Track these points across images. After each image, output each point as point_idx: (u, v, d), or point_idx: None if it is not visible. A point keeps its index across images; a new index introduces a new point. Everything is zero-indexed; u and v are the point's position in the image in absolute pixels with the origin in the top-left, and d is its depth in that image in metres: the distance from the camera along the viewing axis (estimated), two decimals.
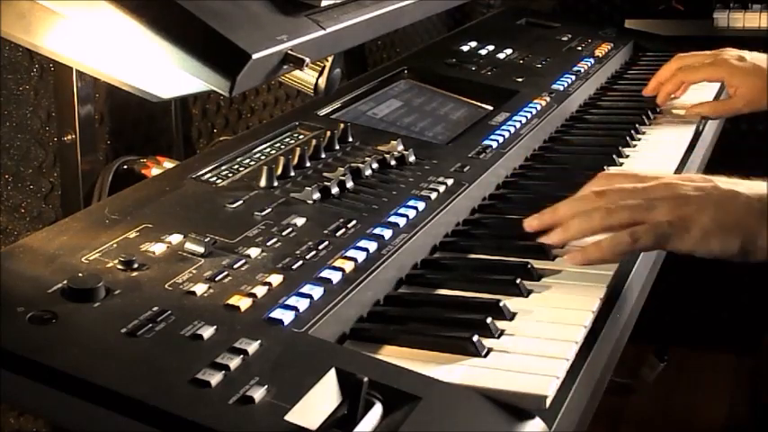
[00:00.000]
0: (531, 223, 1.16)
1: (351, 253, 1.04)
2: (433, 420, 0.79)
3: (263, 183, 1.19)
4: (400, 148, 1.33)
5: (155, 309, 0.89)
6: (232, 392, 0.79)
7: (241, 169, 1.25)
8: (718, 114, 1.75)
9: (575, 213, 1.13)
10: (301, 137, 1.39)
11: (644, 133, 1.63)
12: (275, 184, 1.19)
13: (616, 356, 1.05)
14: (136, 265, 0.96)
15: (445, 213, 1.19)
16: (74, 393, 0.79)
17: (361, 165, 1.26)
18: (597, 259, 1.09)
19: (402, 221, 1.13)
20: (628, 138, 1.57)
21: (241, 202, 1.14)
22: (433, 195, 1.21)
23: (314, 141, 1.31)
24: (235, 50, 1.00)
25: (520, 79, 1.74)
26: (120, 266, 0.96)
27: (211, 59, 1.00)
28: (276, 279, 0.97)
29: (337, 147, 1.33)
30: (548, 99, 1.65)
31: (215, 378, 0.80)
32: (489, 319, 0.96)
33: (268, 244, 1.04)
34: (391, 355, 0.92)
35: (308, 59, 1.08)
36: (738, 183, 1.11)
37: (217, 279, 0.96)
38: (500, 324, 0.97)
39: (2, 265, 0.94)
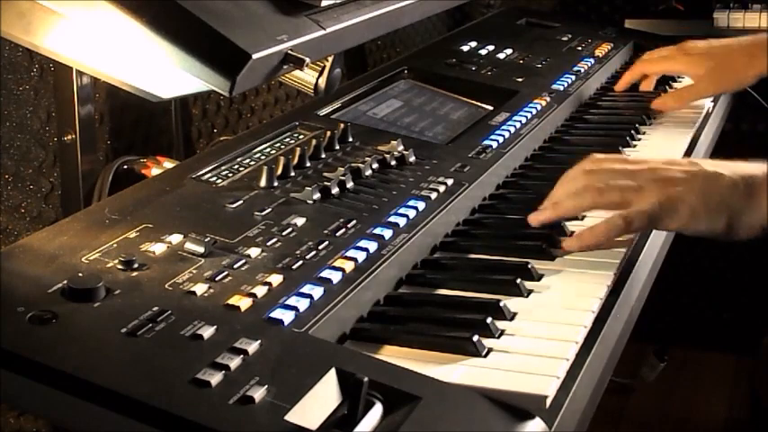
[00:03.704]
0: (536, 218, 1.19)
1: (351, 253, 1.04)
2: (433, 420, 0.79)
3: (263, 183, 1.19)
4: (400, 148, 1.33)
5: (155, 309, 0.89)
6: (232, 392, 0.79)
7: (241, 169, 1.25)
8: (683, 101, 1.76)
9: (567, 194, 1.18)
10: (301, 137, 1.39)
11: (644, 133, 1.63)
12: (275, 184, 1.19)
13: (616, 356, 1.05)
14: (136, 265, 0.96)
15: (445, 213, 1.19)
16: (74, 393, 0.79)
17: (361, 165, 1.26)
18: (593, 244, 1.13)
19: (402, 221, 1.13)
20: (628, 138, 1.57)
21: (241, 202, 1.14)
22: (433, 195, 1.21)
23: (314, 141, 1.31)
24: (235, 50, 1.00)
25: (520, 79, 1.74)
26: (120, 266, 0.96)
27: (211, 59, 1.00)
28: (276, 279, 0.97)
29: (337, 147, 1.33)
30: (548, 99, 1.64)
31: (215, 378, 0.80)
32: (489, 319, 0.96)
33: (268, 244, 1.04)
34: (391, 355, 0.92)
35: (308, 59, 1.08)
36: (721, 164, 1.16)
37: (217, 279, 0.96)
38: (500, 324, 0.97)
39: (2, 265, 0.94)
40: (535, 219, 1.19)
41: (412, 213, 1.16)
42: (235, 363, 0.82)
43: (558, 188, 1.20)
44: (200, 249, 1.00)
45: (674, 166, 1.17)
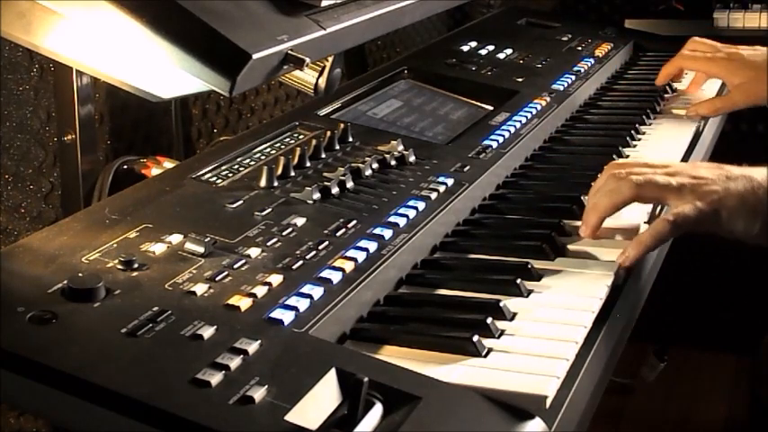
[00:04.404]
0: (585, 232, 1.18)
1: (351, 253, 1.04)
2: (433, 420, 0.79)
3: (263, 183, 1.19)
4: (400, 148, 1.33)
5: (155, 309, 0.89)
6: (232, 392, 0.79)
7: (241, 169, 1.25)
8: (716, 111, 1.76)
9: (603, 194, 1.17)
10: (301, 137, 1.39)
11: (644, 133, 1.63)
12: (275, 184, 1.19)
13: (616, 356, 1.05)
14: (136, 265, 0.96)
15: (445, 213, 1.19)
16: (74, 393, 0.79)
17: (361, 165, 1.26)
18: (642, 253, 1.12)
19: (402, 221, 1.13)
20: (628, 138, 1.57)
21: (241, 202, 1.14)
22: (433, 195, 1.21)
23: (314, 141, 1.31)
24: (235, 50, 1.00)
25: (520, 79, 1.74)
26: (120, 266, 0.96)
27: (211, 59, 1.00)
28: (276, 279, 0.97)
29: (337, 147, 1.33)
30: (548, 99, 1.64)
31: (215, 378, 0.80)
32: (489, 319, 0.96)
33: (268, 244, 1.04)
34: (391, 355, 0.92)
35: (308, 59, 1.08)
36: (745, 169, 1.17)
37: (217, 279, 0.96)
38: (500, 324, 0.97)
39: (2, 265, 0.94)
40: (585, 232, 1.18)
41: (412, 213, 1.16)
42: (235, 363, 0.82)
43: (591, 196, 1.20)
44: (200, 249, 1.00)
45: (701, 169, 1.18)
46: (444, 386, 0.85)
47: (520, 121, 1.52)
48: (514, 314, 1.00)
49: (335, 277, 0.99)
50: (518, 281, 1.05)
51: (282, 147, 1.35)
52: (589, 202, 1.20)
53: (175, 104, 1.60)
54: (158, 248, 1.00)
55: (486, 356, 0.91)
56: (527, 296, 1.05)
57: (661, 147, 1.57)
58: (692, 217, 1.13)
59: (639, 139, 1.60)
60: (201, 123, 1.70)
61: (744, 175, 1.15)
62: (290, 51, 1.08)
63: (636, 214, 1.23)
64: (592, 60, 1.92)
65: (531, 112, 1.57)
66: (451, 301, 1.04)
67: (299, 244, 1.05)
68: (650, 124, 1.68)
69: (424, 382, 0.84)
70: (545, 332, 0.96)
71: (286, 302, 0.93)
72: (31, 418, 1.32)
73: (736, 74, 1.72)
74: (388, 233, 1.10)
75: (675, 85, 1.89)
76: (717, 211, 1.13)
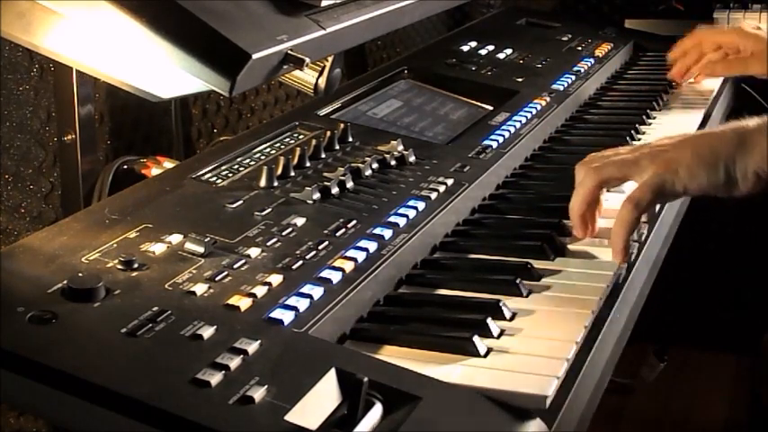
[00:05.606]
0: (577, 234, 1.19)
1: (351, 253, 1.04)
2: (433, 420, 0.79)
3: (263, 183, 1.19)
4: (400, 148, 1.33)
5: (155, 309, 0.89)
6: (232, 392, 0.79)
7: (241, 169, 1.25)
8: (731, 71, 1.82)
9: (574, 194, 1.19)
10: (301, 137, 1.39)
11: (644, 133, 1.63)
12: (275, 184, 1.19)
13: (616, 356, 1.05)
14: (136, 265, 0.96)
15: (445, 213, 1.19)
16: (74, 393, 0.79)
17: (361, 165, 1.26)
18: (623, 244, 1.12)
19: (402, 221, 1.13)
20: (628, 138, 1.57)
21: (241, 202, 1.14)
22: (433, 195, 1.21)
23: (314, 141, 1.31)
24: (235, 50, 1.00)
25: (520, 79, 1.74)
26: (120, 266, 0.96)
27: (211, 59, 1.00)
28: (276, 279, 0.97)
29: (337, 147, 1.33)
30: (548, 99, 1.65)
31: (215, 378, 0.80)
32: (489, 319, 0.96)
33: (268, 244, 1.04)
34: (391, 355, 0.92)
35: (308, 59, 1.08)
36: (710, 128, 1.20)
37: (217, 279, 0.96)
38: (500, 324, 0.97)
39: (2, 265, 0.94)
40: (576, 233, 1.19)
41: (412, 213, 1.16)
42: (235, 363, 0.82)
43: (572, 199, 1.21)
44: (200, 249, 1.00)
45: (665, 138, 1.20)
46: (444, 386, 0.85)
47: (520, 121, 1.52)
48: (514, 314, 1.00)
49: (335, 277, 0.99)
50: (518, 281, 1.05)
51: (282, 147, 1.35)
52: (572, 204, 1.20)
53: (175, 104, 1.60)
54: (158, 248, 1.00)
55: (485, 356, 0.91)
56: (527, 296, 1.05)
57: None
58: (650, 184, 1.13)
59: (639, 139, 1.60)
60: (201, 123, 1.70)
61: (702, 132, 1.18)
62: (289, 51, 1.08)
63: None
64: (592, 60, 1.92)
65: (531, 112, 1.57)
66: (451, 301, 1.04)
67: (298, 244, 1.05)
68: (650, 124, 1.68)
69: (424, 382, 0.84)
70: (545, 332, 0.96)
71: (286, 302, 0.93)
72: (31, 418, 1.32)
73: (755, 43, 1.77)
74: (388, 233, 1.10)
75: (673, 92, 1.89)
76: (674, 171, 1.13)
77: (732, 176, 1.13)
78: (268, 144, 1.35)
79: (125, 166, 1.37)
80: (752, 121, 1.16)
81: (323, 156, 1.30)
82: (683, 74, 1.87)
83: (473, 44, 1.92)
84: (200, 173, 1.22)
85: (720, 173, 1.13)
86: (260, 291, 0.94)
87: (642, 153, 1.17)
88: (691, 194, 1.18)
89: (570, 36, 2.08)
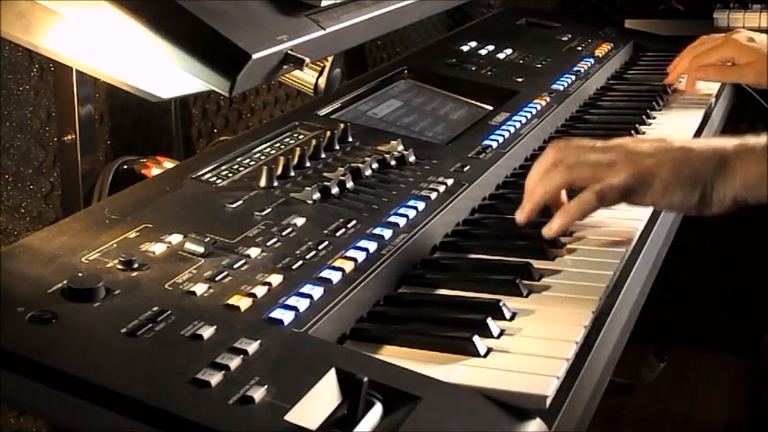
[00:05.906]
0: (520, 217, 1.18)
1: (351, 253, 1.04)
2: (433, 420, 0.79)
3: (263, 183, 1.19)
4: (400, 148, 1.33)
5: (155, 309, 0.89)
6: (232, 392, 0.79)
7: (241, 169, 1.25)
8: (726, 78, 1.83)
9: (539, 178, 1.17)
10: (301, 137, 1.39)
11: (644, 133, 1.63)
12: (275, 184, 1.19)
13: (616, 356, 1.05)
14: (136, 265, 0.96)
15: (445, 213, 1.19)
16: (74, 393, 0.79)
17: (361, 165, 1.26)
18: (567, 223, 1.13)
19: (402, 221, 1.13)
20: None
21: (241, 202, 1.14)
22: (433, 195, 1.21)
23: (314, 141, 1.31)
24: (235, 50, 1.00)
25: (520, 79, 1.74)
26: (120, 266, 0.96)
27: (211, 59, 1.00)
28: (276, 279, 0.97)
29: (337, 147, 1.33)
30: (548, 99, 1.65)
31: (215, 378, 0.80)
32: (489, 319, 0.96)
33: (268, 244, 1.04)
34: (391, 355, 0.92)
35: (308, 59, 1.08)
36: (690, 140, 1.18)
37: (217, 279, 0.96)
38: (500, 324, 0.97)
39: (2, 265, 0.94)
40: (519, 217, 1.18)
41: (412, 213, 1.16)
42: (235, 363, 0.82)
43: (529, 176, 1.19)
44: (200, 249, 1.00)
45: (642, 143, 1.17)
46: (444, 386, 0.85)
47: (520, 121, 1.52)
48: (514, 314, 1.00)
49: (335, 277, 0.99)
50: (518, 281, 1.05)
51: (282, 147, 1.35)
52: (526, 185, 1.19)
53: (175, 104, 1.60)
54: (158, 248, 1.00)
55: (485, 356, 0.91)
56: (527, 296, 1.05)
57: None
58: (619, 186, 1.12)
59: None
60: (201, 123, 1.70)
61: (683, 146, 1.14)
62: (289, 51, 1.08)
63: (636, 213, 1.23)
64: (592, 60, 1.92)
65: (531, 112, 1.57)
66: (451, 301, 1.04)
67: (298, 244, 1.05)
68: (650, 124, 1.68)
69: (424, 382, 0.84)
70: (545, 332, 0.96)
71: (286, 302, 0.93)
72: (31, 418, 1.32)
73: (750, 55, 1.78)
74: (388, 233, 1.10)
75: (675, 85, 1.89)
76: (648, 183, 1.11)
77: (707, 199, 1.11)
78: (268, 144, 1.35)
79: (125, 166, 1.37)
80: (731, 142, 1.13)
81: (323, 156, 1.30)
82: (676, 78, 1.87)
83: (473, 44, 1.92)
84: (200, 173, 1.22)
85: (696, 195, 1.11)
86: (260, 291, 0.94)
87: (618, 157, 1.14)
88: (657, 209, 1.15)
89: (570, 36, 2.08)
